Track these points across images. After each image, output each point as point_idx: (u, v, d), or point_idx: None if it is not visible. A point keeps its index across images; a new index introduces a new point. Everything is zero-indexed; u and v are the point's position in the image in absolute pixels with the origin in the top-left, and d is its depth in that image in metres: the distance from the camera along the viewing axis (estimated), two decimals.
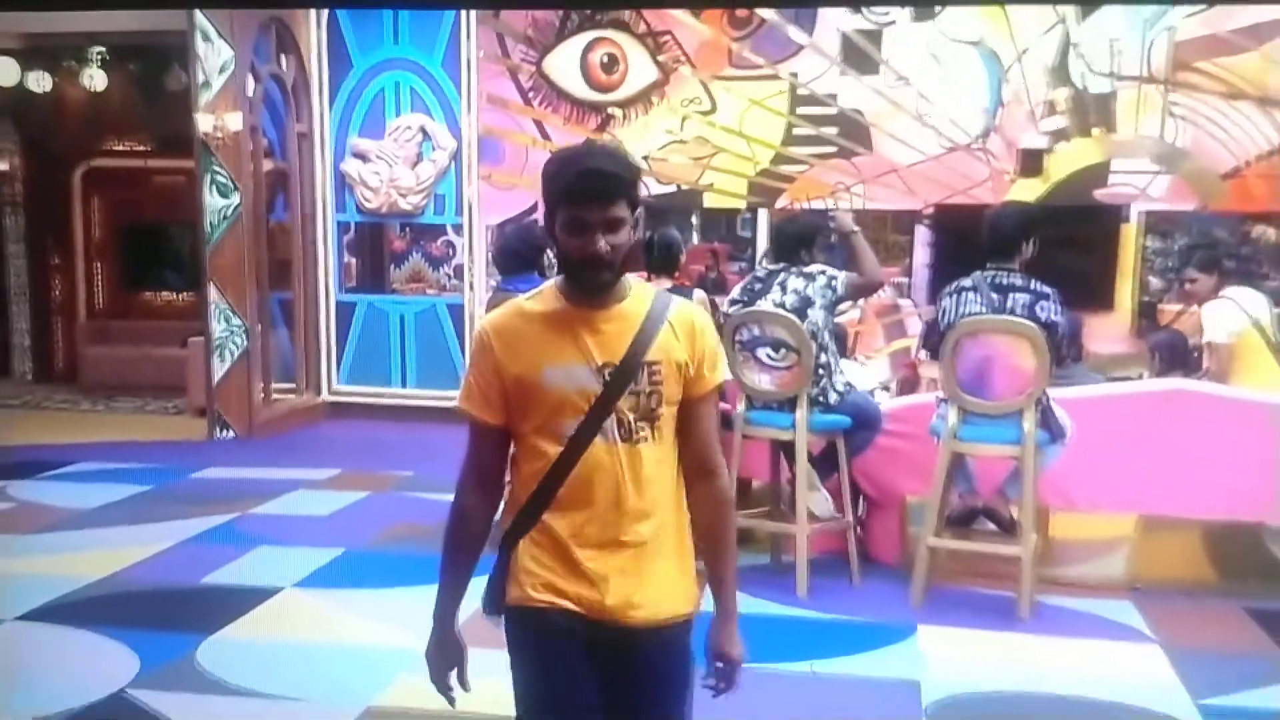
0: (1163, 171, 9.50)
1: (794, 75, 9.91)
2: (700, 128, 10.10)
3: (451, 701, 2.77)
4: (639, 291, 2.62)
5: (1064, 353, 6.09)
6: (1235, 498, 6.04)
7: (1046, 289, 5.69)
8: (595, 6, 9.95)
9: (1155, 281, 9.61)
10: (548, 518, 2.56)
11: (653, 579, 2.58)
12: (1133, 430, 6.07)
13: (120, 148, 13.16)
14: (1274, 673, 5.04)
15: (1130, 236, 9.58)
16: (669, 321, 2.58)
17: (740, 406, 6.14)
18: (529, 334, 2.55)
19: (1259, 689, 4.85)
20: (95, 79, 12.14)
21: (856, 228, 6.30)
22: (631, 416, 2.53)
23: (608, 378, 2.50)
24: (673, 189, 10.16)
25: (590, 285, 2.52)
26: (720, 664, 2.69)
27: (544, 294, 2.61)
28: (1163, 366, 8.07)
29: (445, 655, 2.75)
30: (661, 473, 2.59)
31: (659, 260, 6.95)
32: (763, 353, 6.10)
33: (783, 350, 6.02)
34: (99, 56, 12.13)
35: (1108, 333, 9.30)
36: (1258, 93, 9.28)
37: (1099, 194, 9.60)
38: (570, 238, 2.46)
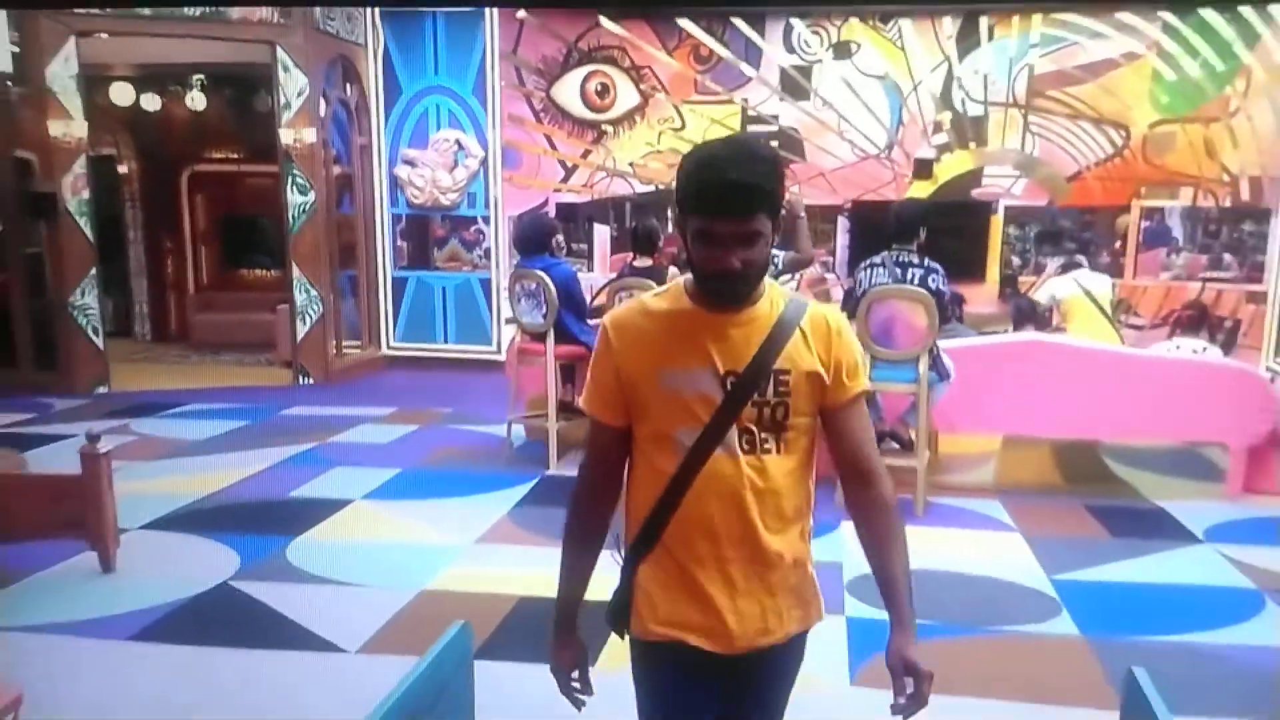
0: (1022, 175, 9.52)
1: (745, 100, 9.83)
2: (673, 141, 9.99)
3: (578, 706, 2.12)
4: (773, 295, 1.95)
5: (949, 314, 6.08)
6: (1076, 421, 6.12)
7: (936, 265, 5.73)
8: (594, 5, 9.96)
9: (1015, 260, 9.66)
10: (668, 538, 1.94)
11: (783, 596, 1.98)
12: (999, 371, 6.09)
13: (218, 156, 12.95)
14: (1107, 553, 5.08)
15: (997, 226, 9.60)
16: (802, 328, 1.93)
17: None
18: (650, 333, 1.92)
19: (1096, 566, 4.89)
20: (196, 100, 11.95)
21: (804, 213, 6.30)
22: (756, 428, 1.90)
23: (730, 386, 1.87)
24: (652, 188, 10.07)
25: (718, 299, 1.88)
26: (911, 678, 1.89)
27: (671, 291, 1.97)
28: (1020, 323, 8.13)
29: (566, 658, 2.09)
30: (791, 485, 1.94)
31: (642, 243, 6.91)
32: None
33: None
34: (199, 82, 11.93)
35: (980, 298, 9.29)
36: (1094, 114, 9.31)
37: (975, 193, 9.61)
38: (700, 248, 1.82)
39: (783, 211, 1.85)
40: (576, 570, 2.06)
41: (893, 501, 1.98)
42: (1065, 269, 7.79)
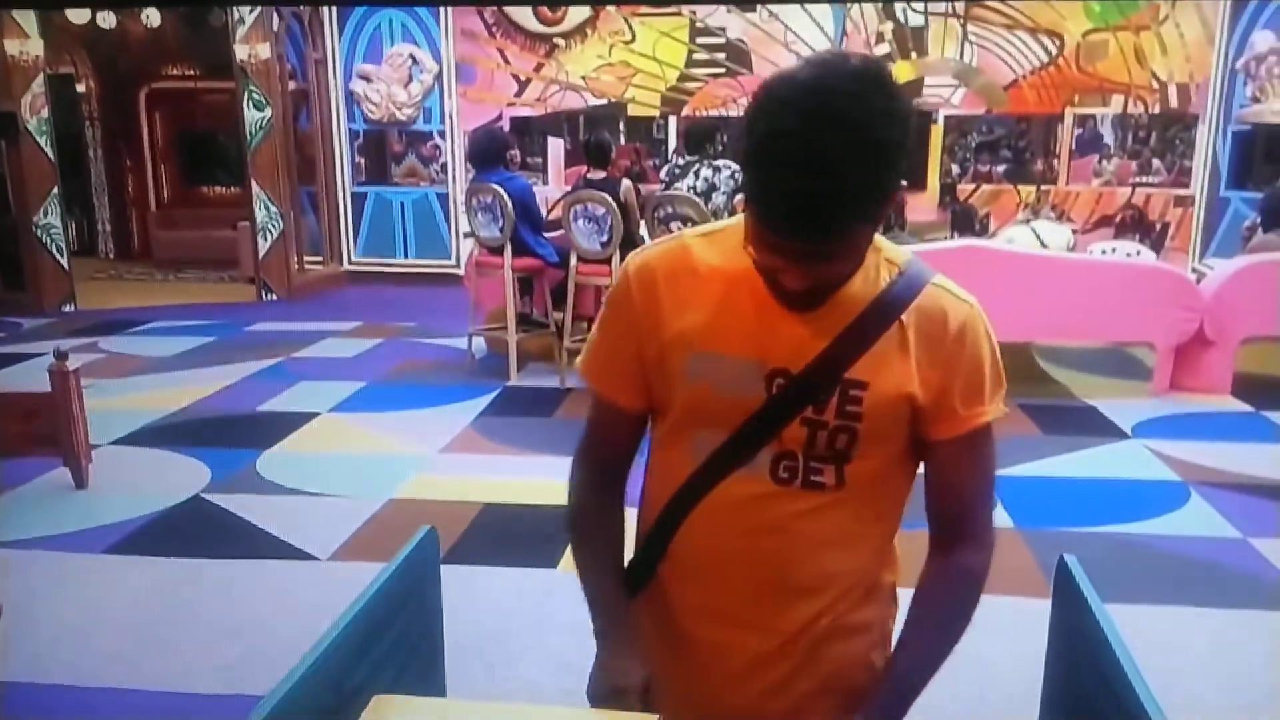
0: (961, 85, 9.46)
1: (693, 12, 9.63)
2: (623, 54, 9.80)
3: None
4: (878, 261, 1.27)
5: (891, 222, 6.05)
6: (1010, 323, 6.11)
7: None
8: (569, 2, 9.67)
9: (955, 168, 9.64)
10: (664, 570, 1.39)
11: (802, 685, 1.36)
12: None
13: (175, 72, 12.52)
14: (1040, 449, 5.13)
15: (937, 135, 9.56)
16: (903, 321, 1.26)
17: None
18: (687, 291, 1.29)
19: (1029, 462, 4.94)
20: (151, 16, 11.46)
21: None
22: (803, 455, 1.27)
23: (775, 389, 1.26)
24: (604, 102, 9.90)
25: (785, 304, 1.23)
26: None
27: (728, 236, 1.29)
28: (956, 230, 8.15)
29: (626, 672, 1.31)
30: (850, 537, 1.33)
31: (595, 156, 6.79)
32: (675, 226, 6.00)
33: (689, 225, 5.93)
34: None
35: (921, 206, 9.27)
36: (1030, 24, 9.23)
37: (915, 102, 9.51)
38: (760, 250, 1.17)
39: (899, 193, 1.18)
40: (592, 580, 1.42)
41: (984, 576, 1.37)
42: (1028, 219, 7.70)
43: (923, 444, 1.32)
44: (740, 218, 1.25)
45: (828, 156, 1.05)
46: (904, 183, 1.21)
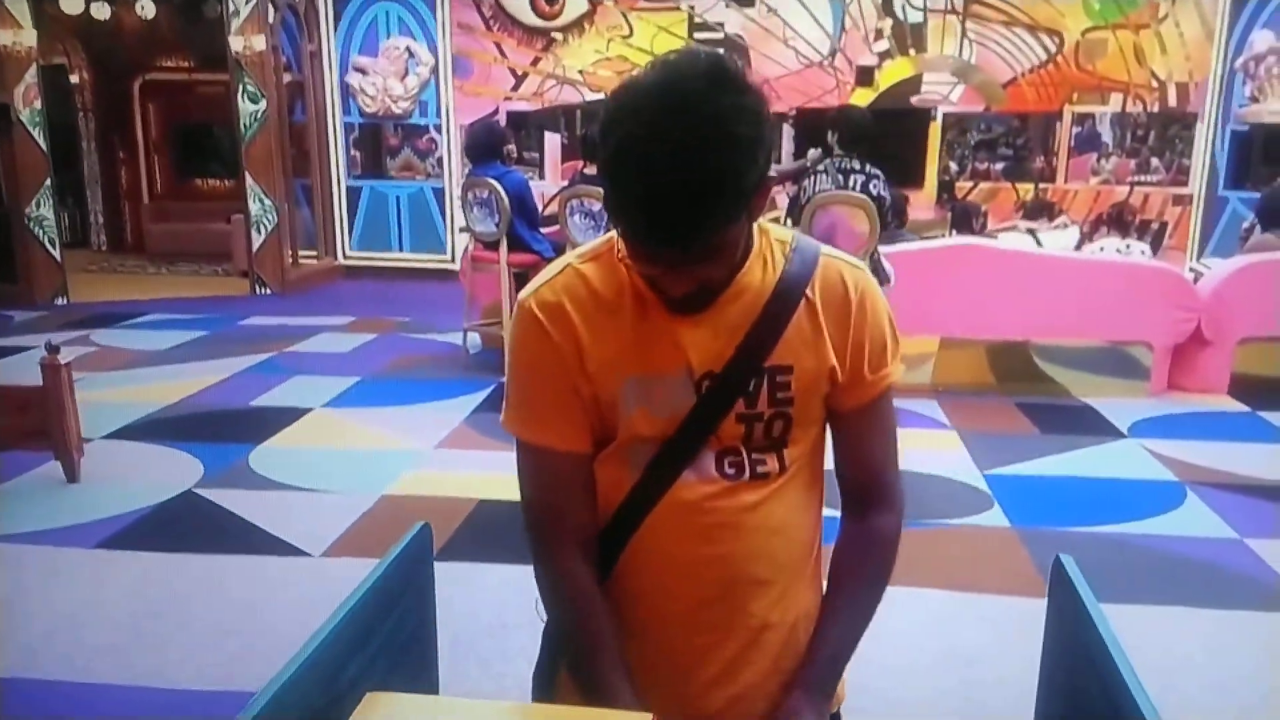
0: (959, 82, 9.45)
1: (691, 7, 9.62)
2: (621, 48, 9.79)
3: None
4: (767, 249, 1.28)
5: (889, 219, 6.04)
6: (1007, 321, 6.17)
7: (877, 171, 5.65)
8: None
9: (954, 166, 9.64)
10: (613, 584, 1.34)
11: (770, 673, 1.35)
12: (936, 275, 6.10)
13: (169, 64, 12.48)
14: (1036, 448, 5.15)
15: (936, 132, 9.57)
16: (809, 297, 1.27)
17: None
18: (603, 319, 1.26)
19: (1026, 461, 4.96)
20: (146, 8, 11.39)
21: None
22: (745, 449, 1.28)
23: (703, 392, 1.25)
24: (602, 96, 9.87)
25: (673, 310, 1.24)
26: None
27: (605, 258, 1.29)
28: (957, 228, 8.14)
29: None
30: (794, 522, 1.34)
31: (591, 151, 6.79)
32: None
33: None
34: None
35: (919, 203, 9.28)
36: (1029, 21, 9.23)
37: (914, 100, 9.54)
38: (638, 265, 1.19)
39: (772, 176, 1.18)
40: (604, 653, 1.32)
41: (897, 537, 1.38)
42: (1031, 229, 7.68)
43: (832, 414, 1.34)
44: (609, 240, 1.29)
45: (682, 158, 1.04)
46: (773, 174, 1.20)
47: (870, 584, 1.37)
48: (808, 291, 1.27)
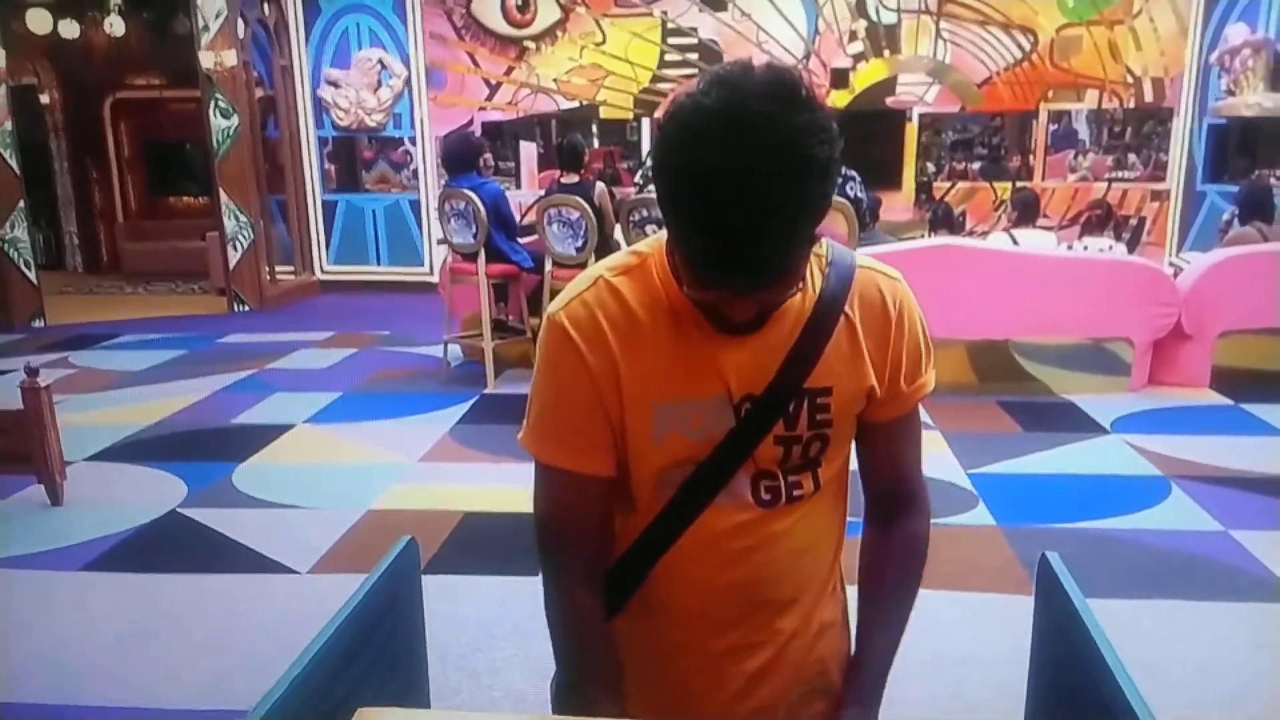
0: (935, 82, 9.52)
1: (664, 13, 9.66)
2: (595, 55, 9.82)
3: None
4: (808, 267, 1.20)
5: (866, 221, 6.09)
6: (988, 320, 6.18)
7: (852, 173, 5.69)
8: None
9: (931, 166, 9.70)
10: (635, 606, 1.32)
11: (793, 684, 1.35)
12: (914, 276, 5.95)
13: (140, 82, 12.44)
14: (1020, 446, 5.18)
15: (912, 133, 9.62)
16: (848, 314, 1.23)
17: None
18: (639, 337, 1.20)
19: (1010, 459, 4.98)
20: (115, 25, 11.37)
21: None
22: (781, 472, 1.25)
23: (743, 415, 1.21)
24: (576, 104, 9.90)
25: (725, 332, 1.19)
26: None
27: (645, 270, 1.23)
28: (936, 228, 8.18)
29: None
30: (822, 535, 1.33)
31: (568, 159, 6.80)
32: (650, 229, 6.02)
33: (664, 227, 5.94)
34: (117, 6, 11.28)
35: (896, 205, 9.35)
36: (1003, 20, 9.30)
37: (889, 101, 9.61)
38: (701, 294, 1.13)
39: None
40: (582, 650, 1.33)
41: (928, 540, 1.38)
42: (1014, 224, 7.64)
43: (864, 424, 1.31)
44: (647, 247, 1.25)
45: (756, 187, 0.98)
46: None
47: (909, 591, 1.38)
48: (846, 309, 1.23)
